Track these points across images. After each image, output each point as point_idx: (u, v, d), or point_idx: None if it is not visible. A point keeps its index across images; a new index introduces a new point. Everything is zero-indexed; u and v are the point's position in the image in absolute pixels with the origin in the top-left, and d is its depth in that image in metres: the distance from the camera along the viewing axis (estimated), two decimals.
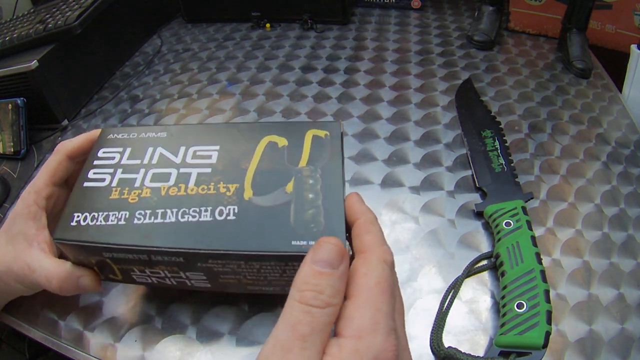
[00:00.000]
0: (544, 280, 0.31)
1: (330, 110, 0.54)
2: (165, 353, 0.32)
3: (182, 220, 0.26)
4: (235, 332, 0.33)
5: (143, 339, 0.33)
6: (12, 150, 0.53)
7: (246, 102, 0.56)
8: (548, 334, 0.29)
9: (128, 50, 0.71)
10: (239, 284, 0.28)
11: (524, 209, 0.37)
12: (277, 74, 0.61)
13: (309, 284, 0.20)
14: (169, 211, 0.27)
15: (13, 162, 0.53)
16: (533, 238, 0.35)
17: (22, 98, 0.52)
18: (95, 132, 0.34)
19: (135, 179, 0.29)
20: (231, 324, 0.33)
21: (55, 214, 0.33)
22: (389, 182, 0.44)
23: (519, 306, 0.30)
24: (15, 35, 0.57)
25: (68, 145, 0.33)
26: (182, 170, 0.29)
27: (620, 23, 0.63)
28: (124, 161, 0.30)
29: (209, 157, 0.30)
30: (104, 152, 0.31)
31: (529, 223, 0.36)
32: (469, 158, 0.45)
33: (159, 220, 0.26)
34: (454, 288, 0.34)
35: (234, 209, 0.26)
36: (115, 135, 0.32)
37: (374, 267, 0.22)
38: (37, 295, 0.37)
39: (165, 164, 0.30)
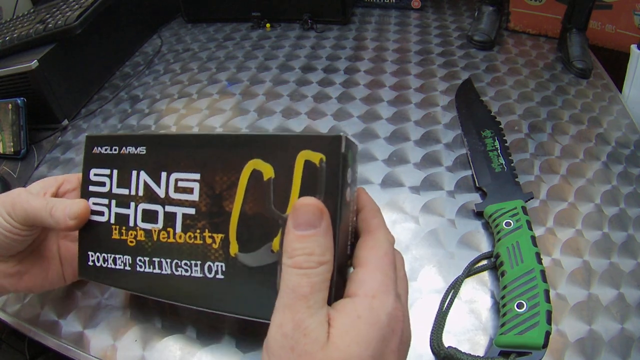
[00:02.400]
0: (544, 280, 0.31)
1: (330, 110, 0.54)
2: (165, 353, 0.32)
3: (176, 273, 0.27)
4: (236, 332, 0.33)
5: (143, 339, 0.33)
6: (12, 150, 0.53)
7: (246, 102, 0.56)
8: (548, 333, 0.29)
9: (128, 50, 0.71)
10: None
11: (524, 208, 0.37)
12: (277, 74, 0.61)
13: (297, 249, 0.21)
14: (164, 261, 0.27)
15: (13, 162, 0.53)
16: (533, 238, 0.35)
17: (22, 98, 0.52)
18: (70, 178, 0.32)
19: (129, 216, 0.29)
20: (231, 324, 0.33)
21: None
22: (389, 182, 0.44)
23: (519, 306, 0.30)
24: (15, 35, 0.57)
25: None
26: (167, 208, 0.28)
27: (620, 23, 0.63)
28: (115, 190, 0.29)
29: (191, 190, 0.27)
30: (95, 175, 0.30)
31: (529, 223, 0.36)
32: (469, 158, 0.45)
33: (157, 270, 0.27)
34: (454, 288, 0.34)
35: (221, 266, 0.26)
36: (100, 149, 0.30)
37: (381, 242, 0.24)
38: (37, 295, 0.37)
39: (151, 197, 0.28)
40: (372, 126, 0.51)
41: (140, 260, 0.28)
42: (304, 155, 0.24)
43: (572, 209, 0.41)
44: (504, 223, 0.36)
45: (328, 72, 0.61)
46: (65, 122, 0.57)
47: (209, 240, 0.26)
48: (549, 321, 0.29)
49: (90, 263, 0.29)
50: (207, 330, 0.33)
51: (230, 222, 0.26)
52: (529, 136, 0.49)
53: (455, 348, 0.30)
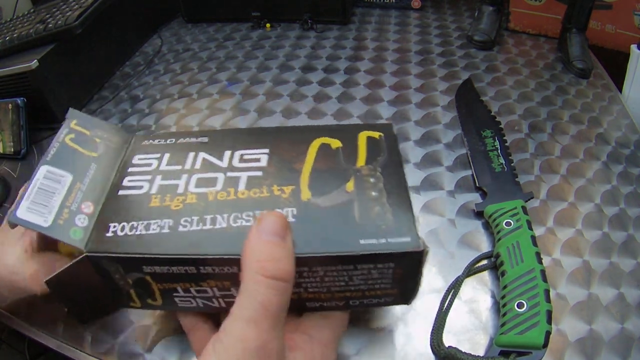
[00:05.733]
0: (544, 279, 0.31)
1: (330, 110, 0.54)
2: (166, 353, 0.32)
3: (234, 225, 0.24)
4: None
5: (143, 339, 0.33)
6: (12, 150, 0.53)
7: (246, 102, 0.57)
8: (548, 333, 0.29)
9: (128, 50, 0.70)
10: (297, 300, 0.25)
11: (524, 208, 0.37)
12: (277, 74, 0.61)
13: (264, 253, 0.20)
14: (219, 217, 0.24)
15: (13, 162, 0.53)
16: (533, 238, 0.35)
17: (22, 98, 0.52)
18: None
19: (178, 185, 0.26)
20: None
21: None
22: None
23: (519, 306, 0.30)
24: (15, 35, 0.57)
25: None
26: (229, 174, 0.27)
27: (620, 23, 0.63)
28: (163, 167, 0.28)
29: (258, 160, 0.27)
30: (139, 159, 0.29)
31: (529, 223, 0.36)
32: (469, 158, 0.45)
33: (208, 226, 0.24)
34: (454, 288, 0.34)
35: (292, 210, 0.24)
36: (151, 141, 0.30)
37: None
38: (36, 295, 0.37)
39: (210, 168, 0.27)
40: None
41: (185, 221, 0.24)
42: (364, 134, 0.29)
43: (572, 209, 0.41)
44: (504, 223, 0.36)
45: (328, 72, 0.61)
46: None
47: (277, 192, 0.25)
48: (549, 321, 0.29)
49: (110, 234, 0.24)
50: None
51: (301, 176, 0.26)
52: (529, 136, 0.49)
53: (455, 348, 0.30)
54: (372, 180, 0.26)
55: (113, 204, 0.26)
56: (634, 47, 0.53)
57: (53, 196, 0.25)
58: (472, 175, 0.44)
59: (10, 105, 0.52)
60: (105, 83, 0.64)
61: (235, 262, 0.22)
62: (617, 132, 0.49)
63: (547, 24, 0.66)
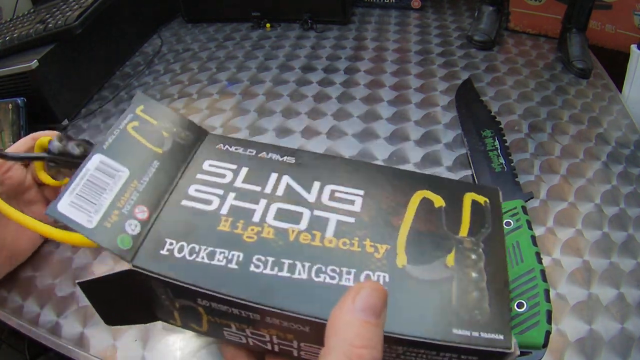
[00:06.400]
0: (544, 279, 0.31)
1: (330, 110, 0.54)
2: (165, 353, 0.32)
3: (316, 279, 0.21)
4: None
5: (143, 339, 0.33)
6: None
7: (246, 102, 0.57)
8: (548, 333, 0.29)
9: (128, 50, 0.71)
10: None
11: (524, 208, 0.37)
12: (277, 74, 0.61)
13: (360, 336, 0.17)
14: (298, 264, 0.21)
15: None
16: (533, 237, 0.34)
17: (22, 98, 0.52)
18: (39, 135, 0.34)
19: (254, 211, 0.23)
20: None
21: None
22: None
23: (519, 305, 0.30)
24: (15, 35, 0.57)
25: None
26: (317, 212, 0.23)
27: (620, 23, 0.63)
28: (239, 184, 0.24)
29: (351, 202, 0.24)
30: (210, 165, 0.25)
31: (529, 222, 0.36)
32: (469, 158, 0.45)
33: (284, 273, 0.21)
34: None
35: (384, 276, 0.21)
36: (227, 146, 0.26)
37: None
38: (37, 295, 0.37)
39: (295, 200, 0.24)
40: (372, 126, 0.51)
41: (258, 260, 0.21)
42: (470, 196, 0.26)
43: (572, 209, 0.41)
44: (504, 223, 0.36)
45: (328, 72, 0.61)
46: (66, 122, 0.57)
47: (370, 249, 0.22)
48: (549, 321, 0.29)
49: (165, 252, 0.21)
50: None
51: (398, 235, 0.23)
52: (529, 136, 0.49)
53: None
54: (473, 257, 0.23)
55: (173, 215, 0.22)
56: (634, 47, 0.53)
57: (103, 192, 0.21)
58: (472, 175, 0.44)
59: (10, 105, 0.52)
60: (105, 83, 0.64)
61: (310, 323, 0.20)
62: (617, 132, 0.49)
63: (547, 24, 0.66)
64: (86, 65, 0.61)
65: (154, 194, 0.23)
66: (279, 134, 0.51)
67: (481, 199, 0.26)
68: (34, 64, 0.52)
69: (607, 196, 0.42)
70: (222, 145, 0.26)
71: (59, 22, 0.55)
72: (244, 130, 0.51)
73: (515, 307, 0.30)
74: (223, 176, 0.24)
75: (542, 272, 0.32)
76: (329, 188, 0.24)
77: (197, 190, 0.24)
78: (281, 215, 0.23)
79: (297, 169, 0.25)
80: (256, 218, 0.23)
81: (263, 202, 0.23)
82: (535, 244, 0.34)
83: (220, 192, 0.24)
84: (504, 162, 0.43)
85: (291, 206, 0.23)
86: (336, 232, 0.22)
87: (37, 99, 0.54)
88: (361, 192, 0.24)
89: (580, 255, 0.37)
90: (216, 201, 0.23)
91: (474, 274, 0.22)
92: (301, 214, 0.23)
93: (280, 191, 0.24)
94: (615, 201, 0.42)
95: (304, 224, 0.23)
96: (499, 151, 0.45)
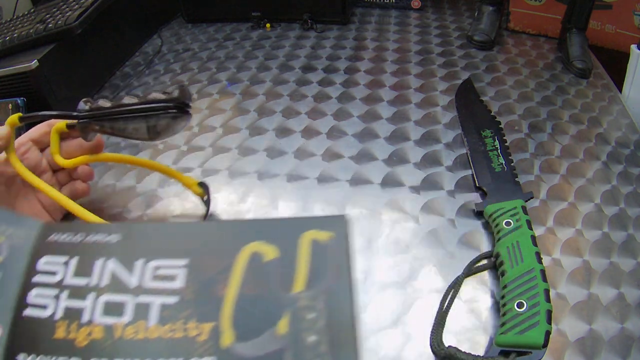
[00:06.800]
0: (544, 279, 0.31)
1: (330, 110, 0.54)
2: None
3: None
4: None
5: None
6: None
7: (246, 102, 0.57)
8: (548, 333, 0.29)
9: (128, 50, 0.70)
10: None
11: (524, 208, 0.37)
12: (277, 74, 0.61)
13: None
14: None
15: None
16: (533, 237, 0.35)
17: (22, 98, 0.52)
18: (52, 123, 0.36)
19: (83, 309, 0.22)
20: None
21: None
22: (389, 182, 0.44)
23: (519, 305, 0.30)
24: (15, 35, 0.57)
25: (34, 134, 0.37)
26: (140, 299, 0.21)
27: (620, 23, 0.63)
28: (69, 280, 0.22)
29: (174, 278, 0.22)
30: (45, 263, 0.23)
31: (529, 222, 0.36)
32: (469, 158, 0.45)
33: None
34: (454, 287, 0.34)
35: None
36: (59, 235, 0.24)
37: None
38: None
39: (119, 287, 0.22)
40: (372, 126, 0.51)
41: None
42: (309, 235, 0.22)
43: (572, 209, 0.41)
44: (504, 223, 0.36)
45: (328, 72, 0.61)
46: None
47: (193, 332, 0.20)
48: (549, 321, 0.29)
49: None
50: None
51: (223, 307, 0.21)
52: (529, 136, 0.49)
53: (455, 347, 0.30)
54: (311, 316, 0.20)
55: (19, 328, 0.21)
56: (634, 47, 0.53)
57: None
58: (472, 175, 0.44)
59: (10, 105, 0.52)
60: (105, 83, 0.64)
61: None
62: (617, 132, 0.49)
63: (547, 24, 0.66)
64: (86, 65, 0.61)
65: (4, 309, 0.22)
66: (279, 134, 0.51)
67: (324, 235, 0.22)
68: (34, 64, 0.52)
69: (607, 196, 0.42)
70: (54, 235, 0.24)
71: (59, 22, 0.55)
72: (244, 131, 0.51)
73: (515, 307, 0.30)
74: (55, 274, 0.23)
75: (542, 272, 0.32)
76: (152, 265, 0.22)
77: (35, 296, 0.22)
78: (107, 309, 0.21)
79: (122, 247, 0.23)
80: (86, 317, 0.21)
81: (91, 296, 0.22)
82: (535, 244, 0.34)
83: (54, 292, 0.22)
84: (504, 162, 0.43)
85: (116, 296, 0.22)
86: (160, 318, 0.21)
87: (37, 99, 0.53)
88: (184, 262, 0.22)
89: (580, 255, 0.37)
90: (51, 305, 0.22)
91: (312, 338, 0.20)
92: (125, 304, 0.21)
93: (105, 279, 0.22)
94: (615, 201, 0.42)
95: (128, 316, 0.21)
96: (499, 151, 0.45)
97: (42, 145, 0.38)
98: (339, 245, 0.22)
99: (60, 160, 0.37)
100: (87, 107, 0.34)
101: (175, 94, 0.32)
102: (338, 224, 0.23)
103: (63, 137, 0.38)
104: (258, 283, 0.21)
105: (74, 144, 0.38)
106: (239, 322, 0.20)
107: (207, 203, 0.40)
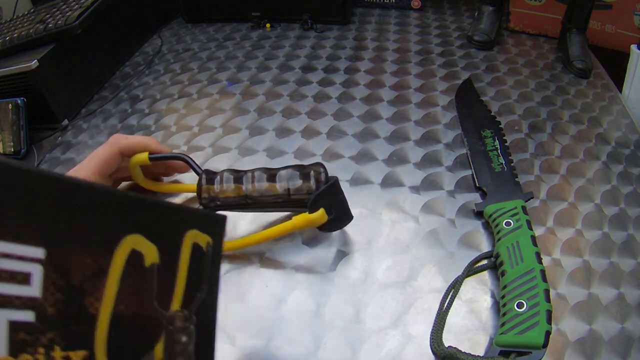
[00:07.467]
0: (544, 279, 0.31)
1: (330, 110, 0.54)
2: None
3: None
4: (237, 331, 0.33)
5: None
6: (12, 150, 0.53)
7: (246, 102, 0.56)
8: (548, 333, 0.29)
9: (128, 50, 0.70)
10: None
11: (524, 208, 0.37)
12: (277, 74, 0.61)
13: None
14: None
15: None
16: (533, 237, 0.35)
17: (22, 98, 0.52)
18: (150, 141, 0.38)
19: None
20: (230, 324, 0.33)
21: None
22: (389, 182, 0.44)
23: (519, 306, 0.30)
24: (15, 35, 0.57)
25: (123, 141, 0.36)
26: None
27: (620, 23, 0.63)
28: None
29: (26, 277, 0.14)
30: None
31: (529, 222, 0.36)
32: (469, 158, 0.45)
33: None
34: (454, 287, 0.34)
35: None
36: None
37: None
38: None
39: None
40: (372, 126, 0.51)
41: None
42: (192, 236, 0.19)
43: (572, 209, 0.41)
44: (504, 223, 0.36)
45: (328, 72, 0.61)
46: (65, 122, 0.57)
47: None
48: (549, 321, 0.29)
49: None
50: None
51: (97, 329, 0.16)
52: (529, 136, 0.49)
53: (455, 348, 0.30)
54: (184, 339, 0.18)
55: None
56: (634, 47, 0.53)
57: None
58: (472, 175, 0.44)
59: (10, 105, 0.52)
60: (105, 83, 0.64)
61: None
62: (617, 132, 0.49)
63: (547, 24, 0.66)
64: (86, 65, 0.61)
65: None
66: (279, 134, 0.51)
67: (204, 240, 0.19)
68: (34, 64, 0.52)
69: (607, 196, 0.42)
70: None
71: (59, 22, 0.55)
72: (244, 131, 0.51)
73: (515, 307, 0.30)
74: None
75: (542, 272, 0.32)
76: None
77: None
78: None
79: None
80: None
81: None
82: (535, 244, 0.34)
83: None
84: (504, 162, 0.43)
85: None
86: (11, 346, 0.13)
87: (37, 99, 0.54)
88: (41, 253, 0.14)
89: (580, 255, 0.37)
90: None
91: None
92: None
93: None
94: (615, 201, 0.42)
95: None
96: (499, 151, 0.45)
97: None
98: (215, 253, 0.19)
99: (144, 183, 0.41)
100: (217, 190, 0.35)
101: (313, 183, 0.33)
102: (218, 227, 0.20)
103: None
104: (136, 297, 0.17)
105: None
106: (113, 348, 0.16)
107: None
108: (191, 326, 0.18)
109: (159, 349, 0.17)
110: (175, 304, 0.18)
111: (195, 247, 0.19)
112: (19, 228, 0.14)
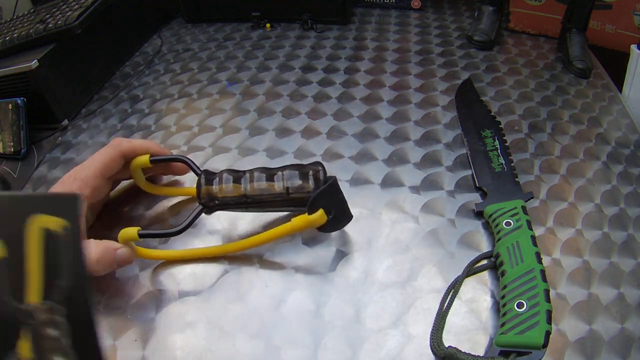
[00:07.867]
0: (544, 279, 0.31)
1: (330, 110, 0.54)
2: (165, 353, 0.32)
3: None
4: (237, 331, 0.33)
5: (143, 339, 0.33)
6: (12, 150, 0.53)
7: (246, 102, 0.56)
8: (548, 333, 0.29)
9: (128, 50, 0.71)
10: None
11: (524, 208, 0.37)
12: (277, 74, 0.61)
13: None
14: None
15: (13, 162, 0.53)
16: (533, 238, 0.35)
17: (22, 98, 0.52)
18: (151, 144, 0.38)
19: None
20: (230, 324, 0.33)
21: (93, 204, 0.36)
22: (389, 182, 0.44)
23: (519, 306, 0.30)
24: (15, 35, 0.57)
25: (125, 144, 0.37)
26: None
27: (620, 23, 0.63)
28: None
29: None
30: None
31: (529, 223, 0.36)
32: (469, 158, 0.45)
33: None
34: (454, 288, 0.34)
35: None
36: None
37: None
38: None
39: None
40: (372, 126, 0.51)
41: None
42: (40, 222, 0.17)
43: (572, 209, 0.41)
44: (504, 223, 0.36)
45: (328, 72, 0.61)
46: (65, 122, 0.57)
47: None
48: (549, 321, 0.29)
49: None
50: (207, 329, 0.33)
51: None
52: (529, 136, 0.49)
53: (455, 348, 0.30)
54: (53, 333, 0.17)
55: None
56: (634, 47, 0.53)
57: None
58: (472, 175, 0.44)
59: (10, 105, 0.52)
60: (106, 83, 0.64)
61: None
62: (617, 132, 0.49)
63: (547, 24, 0.66)
64: (86, 65, 0.61)
65: None
66: (279, 134, 0.51)
67: (57, 223, 0.17)
68: (34, 64, 0.52)
69: (607, 196, 0.42)
70: None
71: (59, 22, 0.55)
72: (244, 131, 0.51)
73: (515, 307, 0.30)
74: None
75: (542, 272, 0.32)
76: None
77: None
78: None
79: None
80: None
81: None
82: (535, 244, 0.34)
83: None
84: (504, 162, 0.43)
85: None
86: None
87: (37, 99, 0.54)
88: None
89: (580, 255, 0.37)
90: None
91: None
92: None
93: None
94: (615, 201, 0.42)
95: None
96: (499, 151, 0.45)
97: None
98: (74, 235, 0.17)
99: (145, 186, 0.42)
100: (216, 190, 0.35)
101: (312, 183, 0.35)
102: (71, 208, 0.18)
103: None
104: None
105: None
106: None
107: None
108: (58, 317, 0.17)
109: (24, 346, 0.16)
110: (33, 296, 0.17)
111: (47, 233, 0.17)
112: None
